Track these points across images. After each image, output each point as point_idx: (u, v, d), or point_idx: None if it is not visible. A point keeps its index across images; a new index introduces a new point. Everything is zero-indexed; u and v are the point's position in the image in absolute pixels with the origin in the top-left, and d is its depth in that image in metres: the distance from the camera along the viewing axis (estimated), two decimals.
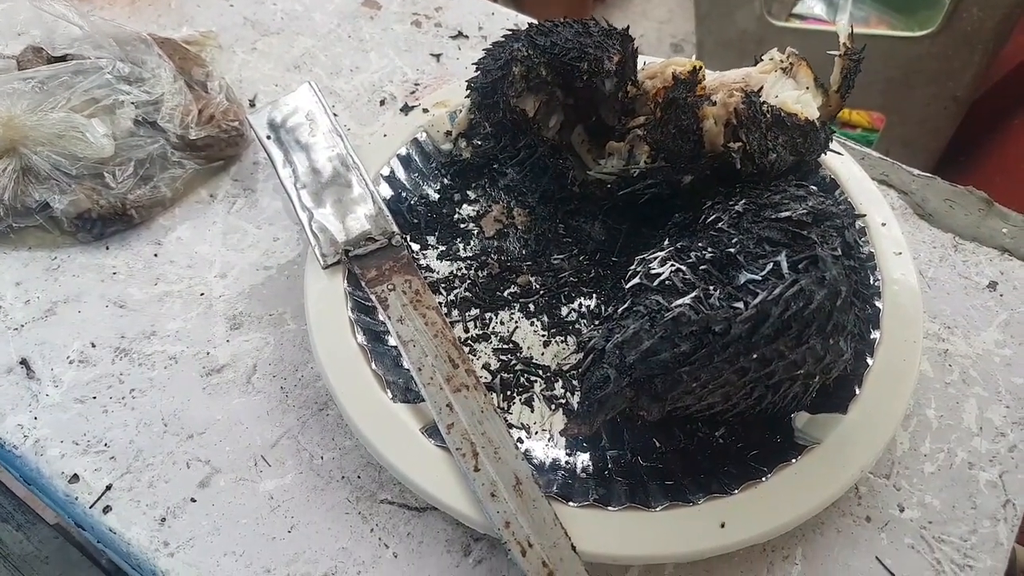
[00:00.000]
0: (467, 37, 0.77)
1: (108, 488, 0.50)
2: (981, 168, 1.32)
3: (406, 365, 0.51)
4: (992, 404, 0.53)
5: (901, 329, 0.52)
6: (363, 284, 0.54)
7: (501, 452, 0.47)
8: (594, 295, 0.58)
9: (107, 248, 0.62)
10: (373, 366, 0.51)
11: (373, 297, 0.54)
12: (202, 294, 0.59)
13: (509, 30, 0.56)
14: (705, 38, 1.27)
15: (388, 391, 0.50)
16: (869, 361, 0.51)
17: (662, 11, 1.69)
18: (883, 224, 0.57)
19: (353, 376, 0.50)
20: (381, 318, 0.53)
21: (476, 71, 0.57)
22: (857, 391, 0.50)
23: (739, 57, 1.24)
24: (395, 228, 0.57)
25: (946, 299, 0.58)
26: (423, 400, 0.50)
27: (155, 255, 0.62)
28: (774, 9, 1.49)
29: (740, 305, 0.44)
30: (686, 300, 0.45)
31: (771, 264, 0.45)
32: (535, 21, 0.76)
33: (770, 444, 0.50)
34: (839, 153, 0.58)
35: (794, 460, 0.48)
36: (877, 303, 0.54)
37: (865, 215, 0.56)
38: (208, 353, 0.56)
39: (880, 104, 1.33)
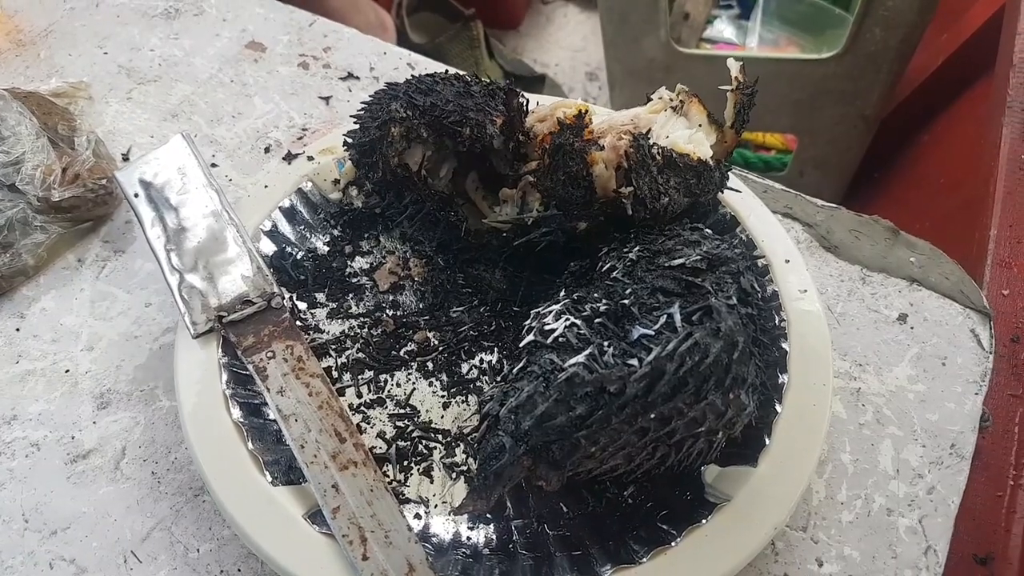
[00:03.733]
0: (358, 78, 0.73)
1: None
2: (896, 184, 1.34)
3: (287, 442, 0.47)
4: (908, 444, 0.52)
5: (810, 372, 0.50)
6: (239, 353, 0.50)
7: (392, 536, 0.43)
8: (495, 349, 0.55)
9: None
10: (250, 445, 0.47)
11: (250, 367, 0.49)
12: (67, 371, 0.54)
13: (388, 84, 0.53)
14: (613, 67, 1.26)
15: (267, 473, 0.46)
16: (778, 408, 0.49)
17: (576, 39, 1.69)
18: (787, 261, 0.55)
19: (228, 458, 0.46)
20: (259, 389, 0.49)
21: (355, 123, 0.53)
22: (767, 441, 0.48)
23: (648, 85, 1.23)
24: (275, 288, 0.53)
25: (856, 335, 0.57)
26: (307, 481, 0.45)
27: (17, 329, 0.56)
28: (683, 35, 1.51)
29: (634, 362, 0.41)
30: (579, 359, 0.42)
31: (664, 316, 0.42)
32: (428, 64, 0.73)
33: (680, 502, 0.47)
34: (737, 191, 0.56)
35: (704, 521, 0.45)
36: (784, 345, 0.52)
37: (764, 255, 0.54)
38: (73, 437, 0.51)
39: (791, 126, 1.34)
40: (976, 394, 0.54)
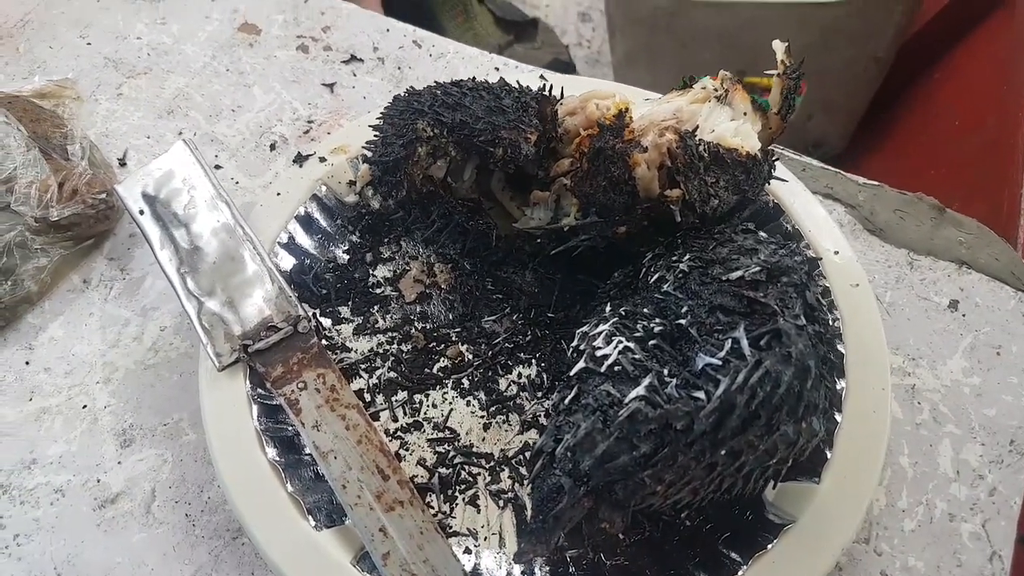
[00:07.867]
0: (362, 61, 0.68)
1: None
2: (905, 125, 1.30)
3: (328, 481, 0.44)
4: (967, 443, 0.50)
5: (868, 375, 0.48)
6: (269, 386, 0.47)
7: None
8: (533, 361, 0.52)
9: None
10: (289, 488, 0.44)
11: (282, 400, 0.47)
12: (85, 407, 0.51)
13: (410, 92, 0.48)
14: (614, 13, 1.19)
15: (310, 518, 0.44)
16: (838, 417, 0.47)
17: None
18: (836, 252, 0.53)
19: (267, 504, 0.43)
20: (293, 423, 0.46)
21: (375, 135, 0.49)
22: (828, 454, 0.46)
23: (650, 34, 1.17)
24: (300, 311, 0.50)
25: (907, 326, 0.54)
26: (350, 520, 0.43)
27: (26, 363, 0.53)
28: None
29: (701, 395, 0.39)
30: (640, 391, 0.40)
31: (729, 342, 0.40)
32: (436, 41, 0.68)
33: (741, 523, 0.46)
34: (783, 180, 0.53)
35: (769, 546, 0.43)
36: (840, 347, 0.49)
37: (821, 258, 0.51)
38: (99, 480, 0.49)
39: None
40: None
